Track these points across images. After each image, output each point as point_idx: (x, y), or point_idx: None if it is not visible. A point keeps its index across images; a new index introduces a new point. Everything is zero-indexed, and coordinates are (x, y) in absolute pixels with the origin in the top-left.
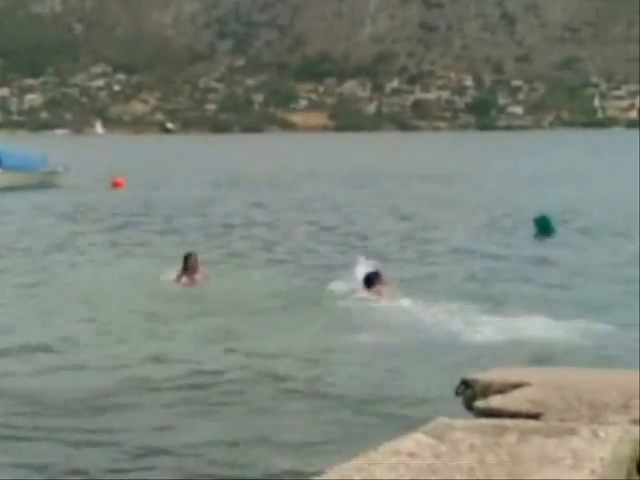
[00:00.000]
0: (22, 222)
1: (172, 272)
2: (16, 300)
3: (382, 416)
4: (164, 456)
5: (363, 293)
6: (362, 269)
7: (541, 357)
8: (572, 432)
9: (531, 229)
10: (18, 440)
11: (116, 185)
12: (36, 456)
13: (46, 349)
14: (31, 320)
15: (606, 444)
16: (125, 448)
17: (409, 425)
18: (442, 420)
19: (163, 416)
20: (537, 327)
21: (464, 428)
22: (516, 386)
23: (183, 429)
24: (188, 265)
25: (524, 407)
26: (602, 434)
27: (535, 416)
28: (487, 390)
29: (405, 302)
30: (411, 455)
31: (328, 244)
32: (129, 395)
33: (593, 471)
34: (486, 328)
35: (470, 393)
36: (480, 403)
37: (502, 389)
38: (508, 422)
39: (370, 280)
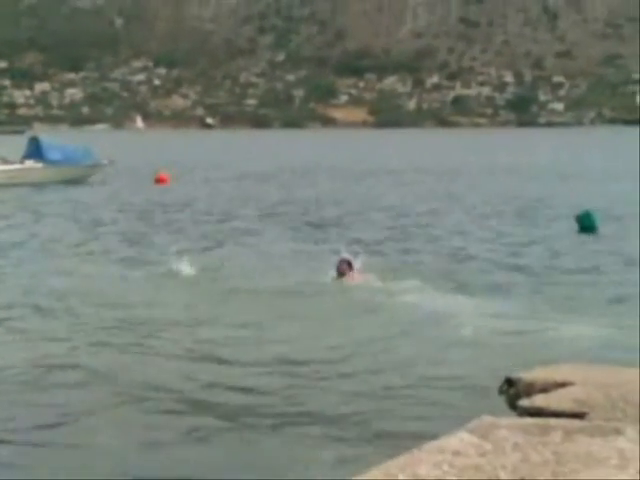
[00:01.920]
0: (68, 220)
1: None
2: None
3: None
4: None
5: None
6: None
7: (583, 355)
8: (617, 432)
9: (573, 225)
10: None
11: (160, 181)
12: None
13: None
14: None
15: None
16: None
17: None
18: (486, 418)
19: None
20: (579, 324)
21: (508, 427)
22: (560, 385)
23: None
24: None
25: (568, 406)
26: None
27: (580, 415)
28: (531, 389)
29: (375, 284)
30: (455, 453)
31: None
32: None
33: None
34: (527, 325)
35: (514, 392)
36: (524, 402)
37: (546, 388)
38: (552, 421)
39: (340, 267)
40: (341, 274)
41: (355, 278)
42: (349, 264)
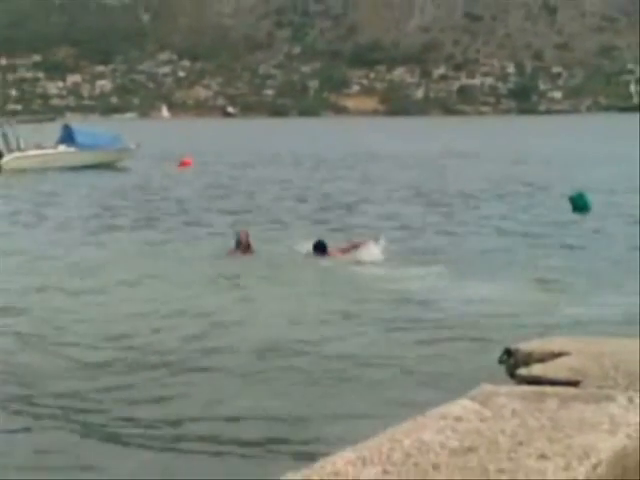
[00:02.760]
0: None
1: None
2: None
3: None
4: None
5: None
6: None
7: (579, 327)
8: (609, 399)
9: (567, 207)
10: None
11: (184, 164)
12: None
13: None
14: None
15: None
16: None
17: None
18: (486, 387)
19: None
20: (576, 297)
21: (507, 394)
22: (556, 355)
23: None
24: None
25: (564, 375)
26: (637, 400)
27: (574, 383)
28: (529, 359)
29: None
30: (457, 419)
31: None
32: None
33: (629, 435)
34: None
35: (513, 361)
36: (522, 371)
37: (543, 358)
38: (549, 389)
39: (317, 248)
40: (318, 253)
41: (336, 256)
42: (323, 245)
